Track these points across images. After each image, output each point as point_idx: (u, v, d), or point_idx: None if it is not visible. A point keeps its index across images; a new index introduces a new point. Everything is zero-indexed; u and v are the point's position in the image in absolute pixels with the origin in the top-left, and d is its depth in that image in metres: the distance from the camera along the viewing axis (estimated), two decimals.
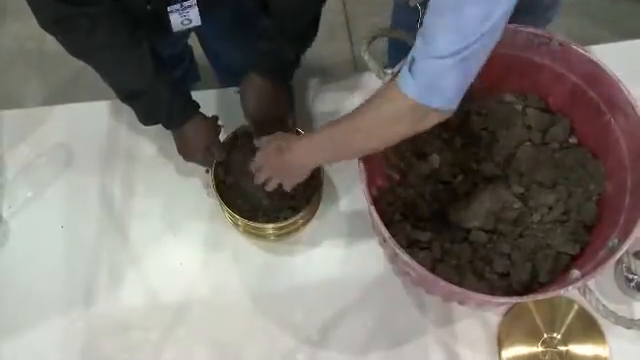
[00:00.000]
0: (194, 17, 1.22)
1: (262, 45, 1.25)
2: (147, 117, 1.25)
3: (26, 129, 1.44)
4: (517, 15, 0.91)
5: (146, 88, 1.19)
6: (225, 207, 1.24)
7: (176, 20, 1.21)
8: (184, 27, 1.24)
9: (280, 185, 1.18)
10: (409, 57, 0.93)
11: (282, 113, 1.29)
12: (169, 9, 1.18)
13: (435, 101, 0.92)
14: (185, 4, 1.18)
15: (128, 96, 1.22)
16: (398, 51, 1.15)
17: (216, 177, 1.27)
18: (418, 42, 0.90)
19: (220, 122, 1.31)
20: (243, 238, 1.33)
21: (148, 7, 1.15)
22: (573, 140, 1.28)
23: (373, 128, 1.00)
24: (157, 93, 1.20)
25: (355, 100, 1.44)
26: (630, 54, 1.44)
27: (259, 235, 1.30)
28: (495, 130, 1.30)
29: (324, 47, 1.28)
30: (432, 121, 0.95)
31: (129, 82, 1.20)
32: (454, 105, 0.94)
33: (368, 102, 1.00)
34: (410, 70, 0.91)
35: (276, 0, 1.22)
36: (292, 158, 1.11)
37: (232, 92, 1.46)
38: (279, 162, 1.13)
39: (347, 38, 2.30)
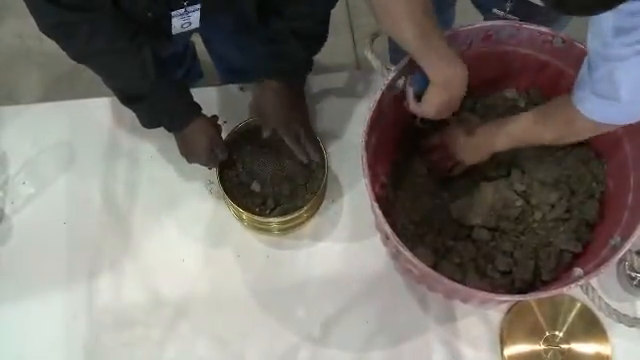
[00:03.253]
0: (194, 20, 1.22)
1: (275, 48, 1.24)
2: (149, 120, 1.24)
3: (28, 125, 1.44)
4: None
5: (148, 92, 1.19)
6: (230, 202, 1.24)
7: (177, 23, 1.21)
8: (184, 30, 1.24)
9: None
10: (587, 78, 0.96)
11: (303, 115, 1.28)
12: (173, 13, 1.18)
13: (634, 118, 0.98)
14: (189, 9, 1.18)
15: (130, 100, 1.21)
16: (397, 52, 1.16)
17: (221, 173, 1.27)
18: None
19: (221, 119, 1.31)
20: (245, 235, 1.33)
21: (149, 14, 1.15)
22: None
23: (555, 139, 1.12)
24: (159, 97, 1.19)
25: (356, 97, 1.44)
26: None
27: (263, 229, 1.30)
28: None
29: (326, 44, 1.28)
30: None
31: (131, 86, 1.20)
32: None
33: (545, 120, 1.09)
34: (600, 98, 0.95)
35: (289, 2, 1.21)
36: (474, 140, 1.20)
37: (234, 89, 1.46)
38: (460, 140, 1.21)
39: (349, 36, 2.30)
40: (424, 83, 1.09)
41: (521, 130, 1.13)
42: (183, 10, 1.18)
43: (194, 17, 1.21)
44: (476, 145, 1.20)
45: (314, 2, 1.22)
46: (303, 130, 1.25)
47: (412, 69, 1.11)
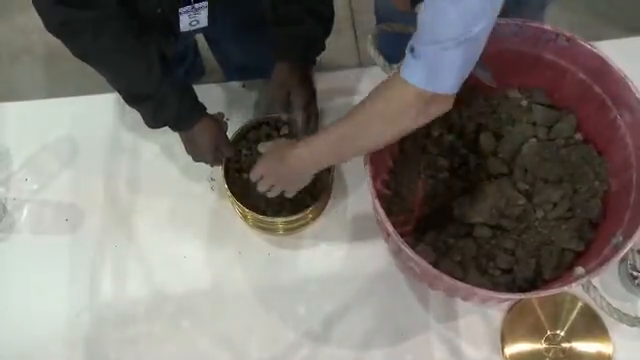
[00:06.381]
0: (202, 19, 1.22)
1: (291, 30, 1.24)
2: (154, 120, 1.24)
3: (32, 121, 1.45)
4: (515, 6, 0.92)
5: (153, 92, 1.18)
6: (236, 201, 1.24)
7: (185, 21, 1.20)
8: (192, 28, 1.24)
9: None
10: (409, 46, 0.94)
11: (310, 97, 1.28)
12: (180, 10, 1.18)
13: (438, 86, 0.93)
14: (197, 5, 1.18)
15: (135, 100, 1.21)
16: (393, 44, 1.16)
17: (226, 171, 1.27)
18: (418, 29, 0.92)
19: (225, 117, 1.31)
20: (247, 231, 1.33)
21: (158, 10, 1.15)
22: (578, 137, 1.28)
23: (376, 123, 1.00)
24: (165, 98, 1.19)
25: (359, 95, 1.44)
26: (637, 50, 1.43)
27: (268, 229, 1.30)
28: (500, 126, 1.29)
29: (328, 41, 1.28)
30: (435, 111, 0.97)
31: (136, 86, 1.20)
32: (455, 91, 0.95)
33: (369, 97, 1.01)
34: (413, 57, 0.92)
35: None
36: (292, 166, 1.11)
37: (236, 86, 1.46)
38: (279, 171, 1.14)
39: (352, 32, 2.30)
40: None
41: (342, 133, 1.03)
42: (190, 7, 1.18)
43: (202, 15, 1.21)
44: (298, 172, 1.13)
45: None
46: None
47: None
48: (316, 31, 1.26)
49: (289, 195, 1.19)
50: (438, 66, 0.91)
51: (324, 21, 1.27)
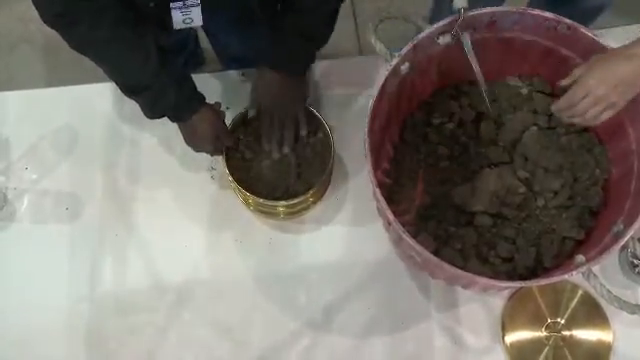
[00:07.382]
0: (196, 17, 1.20)
1: (280, 43, 1.23)
2: (153, 111, 1.23)
3: (31, 111, 1.44)
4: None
5: (151, 83, 1.18)
6: (237, 186, 1.24)
7: (177, 17, 1.19)
8: (186, 25, 1.23)
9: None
10: None
11: (296, 106, 1.28)
12: (172, 5, 1.17)
13: None
14: (188, 2, 1.17)
15: (132, 91, 1.21)
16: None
17: (227, 157, 1.27)
18: None
19: (224, 106, 1.31)
20: (247, 220, 1.33)
21: (151, 4, 1.14)
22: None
23: None
24: (162, 89, 1.19)
25: (359, 82, 1.43)
26: None
27: (269, 213, 1.31)
28: (501, 114, 1.29)
29: None
30: None
31: (133, 77, 1.19)
32: None
33: None
34: None
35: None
36: None
37: (235, 75, 1.45)
38: (630, 70, 1.00)
39: (352, 21, 2.29)
40: None
41: None
42: (181, 3, 1.17)
43: (195, 13, 1.20)
44: None
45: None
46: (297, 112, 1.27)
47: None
48: (305, 49, 1.24)
49: (608, 114, 1.04)
50: None
51: (316, 39, 1.25)
